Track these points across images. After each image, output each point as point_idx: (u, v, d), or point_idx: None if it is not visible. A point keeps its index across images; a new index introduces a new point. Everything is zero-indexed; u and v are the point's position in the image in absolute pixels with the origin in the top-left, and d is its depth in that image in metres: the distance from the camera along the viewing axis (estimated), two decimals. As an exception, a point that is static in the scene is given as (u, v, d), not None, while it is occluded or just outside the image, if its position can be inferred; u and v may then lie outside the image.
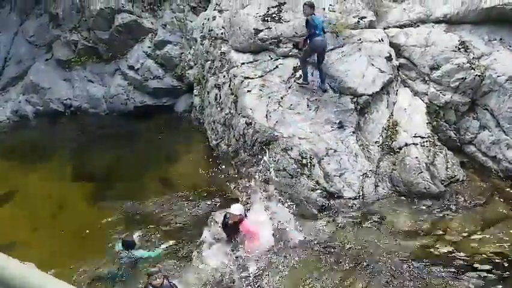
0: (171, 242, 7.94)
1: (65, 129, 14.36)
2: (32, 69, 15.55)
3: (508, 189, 8.38)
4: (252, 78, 10.03)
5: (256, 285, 6.88)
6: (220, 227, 7.76)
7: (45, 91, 15.10)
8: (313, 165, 8.65)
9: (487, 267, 6.74)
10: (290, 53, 10.23)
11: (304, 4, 9.07)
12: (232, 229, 7.49)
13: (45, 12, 15.78)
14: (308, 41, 9.14)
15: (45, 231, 8.76)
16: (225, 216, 7.54)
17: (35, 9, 16.02)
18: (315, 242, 7.59)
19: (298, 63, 9.68)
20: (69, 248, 8.14)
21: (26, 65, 15.69)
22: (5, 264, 2.12)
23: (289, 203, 8.40)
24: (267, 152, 8.92)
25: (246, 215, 7.50)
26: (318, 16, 9.16)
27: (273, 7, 10.72)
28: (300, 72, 9.73)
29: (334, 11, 10.28)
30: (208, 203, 9.09)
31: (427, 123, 9.16)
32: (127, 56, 14.49)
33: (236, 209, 7.39)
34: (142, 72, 14.19)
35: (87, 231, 8.63)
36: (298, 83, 9.66)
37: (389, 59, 9.69)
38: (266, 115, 9.40)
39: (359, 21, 10.20)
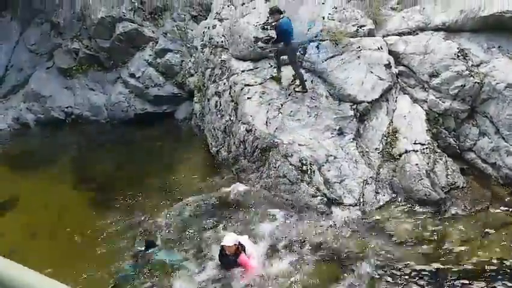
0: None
1: (66, 137, 14.42)
2: (33, 78, 15.67)
3: (508, 196, 8.38)
4: (252, 85, 10.10)
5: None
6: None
7: (46, 99, 15.20)
8: (314, 172, 8.66)
9: (488, 274, 6.70)
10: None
11: (272, 13, 9.41)
12: (229, 260, 7.07)
13: (47, 21, 15.94)
14: (287, 45, 9.37)
15: (46, 238, 8.73)
16: (221, 249, 7.12)
17: (37, 18, 16.18)
18: (316, 249, 7.58)
19: (294, 73, 9.77)
20: (70, 254, 8.11)
21: (27, 73, 15.82)
22: (5, 266, 2.13)
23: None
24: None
25: (243, 246, 7.09)
26: (286, 19, 9.30)
27: (273, 15, 10.82)
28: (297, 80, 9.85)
29: (333, 20, 10.36)
30: (209, 210, 9.08)
31: (427, 130, 9.17)
32: (128, 64, 14.60)
33: (229, 240, 6.96)
34: (143, 80, 14.28)
35: (87, 237, 8.63)
36: (297, 91, 9.73)
37: (388, 66, 9.75)
38: (266, 122, 9.44)
39: (358, 30, 10.27)
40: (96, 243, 8.34)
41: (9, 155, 13.38)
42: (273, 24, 9.52)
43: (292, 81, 10.02)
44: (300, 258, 7.37)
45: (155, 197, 9.76)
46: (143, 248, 7.76)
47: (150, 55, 14.33)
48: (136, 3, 14.60)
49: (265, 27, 10.51)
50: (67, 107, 15.11)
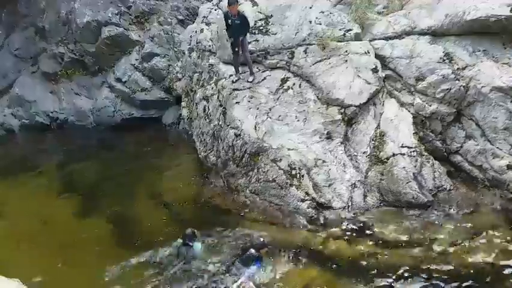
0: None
1: (52, 142, 14.26)
2: (17, 82, 15.48)
3: (495, 198, 8.46)
4: (241, 89, 10.09)
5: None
6: None
7: (31, 104, 15.02)
8: (303, 176, 8.67)
9: (476, 276, 6.75)
10: (278, 65, 10.32)
11: (232, 3, 9.48)
12: None
13: (32, 26, 15.75)
14: (245, 35, 9.79)
15: (32, 246, 8.57)
16: None
17: (21, 22, 15.97)
18: (305, 252, 7.58)
19: (247, 62, 10.15)
20: (56, 263, 7.98)
21: (12, 78, 15.63)
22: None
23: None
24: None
25: None
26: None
27: (260, 20, 10.84)
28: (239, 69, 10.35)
29: (320, 24, 10.40)
30: (197, 216, 9.03)
31: (414, 133, 9.21)
32: (114, 68, 14.49)
33: None
34: (130, 84, 14.18)
35: (73, 245, 8.50)
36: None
37: (375, 70, 9.79)
38: (255, 126, 9.43)
39: (345, 34, 10.31)
40: (82, 251, 8.23)
41: (-7, 161, 13.17)
42: (238, 13, 9.57)
43: (280, 85, 10.03)
44: (288, 262, 7.38)
45: (142, 204, 9.67)
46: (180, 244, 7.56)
47: (136, 59, 14.24)
48: (122, 7, 14.51)
49: (253, 31, 10.53)
50: (52, 112, 14.94)
